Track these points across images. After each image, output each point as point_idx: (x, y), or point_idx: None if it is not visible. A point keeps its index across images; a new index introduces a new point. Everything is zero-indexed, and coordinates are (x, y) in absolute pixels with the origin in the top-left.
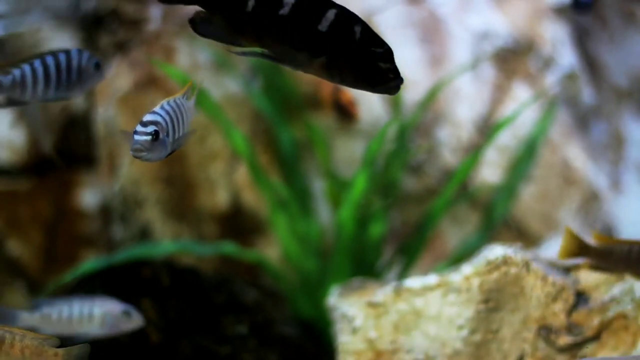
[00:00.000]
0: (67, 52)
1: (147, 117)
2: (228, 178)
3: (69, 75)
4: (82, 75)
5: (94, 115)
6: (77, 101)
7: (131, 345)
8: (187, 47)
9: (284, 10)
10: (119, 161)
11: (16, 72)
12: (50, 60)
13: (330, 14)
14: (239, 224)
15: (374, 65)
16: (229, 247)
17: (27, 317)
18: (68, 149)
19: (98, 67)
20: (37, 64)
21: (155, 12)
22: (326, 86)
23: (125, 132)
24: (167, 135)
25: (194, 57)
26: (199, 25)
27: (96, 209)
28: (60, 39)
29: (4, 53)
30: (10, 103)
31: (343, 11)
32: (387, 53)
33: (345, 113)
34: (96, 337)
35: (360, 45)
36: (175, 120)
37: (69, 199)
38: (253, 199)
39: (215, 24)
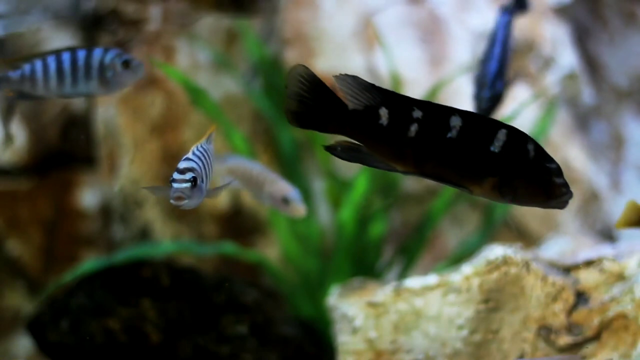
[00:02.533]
0: (88, 49)
1: (183, 165)
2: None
3: (88, 72)
4: (106, 73)
5: (94, 115)
6: (77, 101)
7: (131, 345)
8: (187, 47)
9: (452, 134)
10: (119, 161)
11: (27, 67)
12: (66, 57)
13: (502, 134)
14: (239, 224)
15: (549, 181)
16: (229, 247)
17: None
18: (68, 149)
19: (127, 65)
20: (51, 59)
21: (155, 12)
22: None
23: (151, 187)
24: (202, 180)
25: (194, 57)
26: (341, 152)
27: (96, 209)
28: (60, 39)
29: (4, 53)
30: (22, 97)
31: (513, 130)
32: (559, 168)
33: None
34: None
35: (535, 162)
36: (206, 165)
37: (69, 199)
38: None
39: (364, 151)
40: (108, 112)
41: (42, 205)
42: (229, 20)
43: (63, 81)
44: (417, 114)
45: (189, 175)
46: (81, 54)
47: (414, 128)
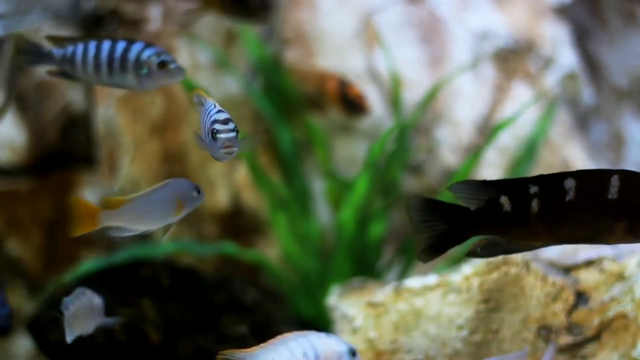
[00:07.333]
0: (129, 42)
1: (223, 115)
2: (228, 178)
3: (124, 65)
4: (140, 69)
5: (94, 115)
6: (77, 101)
7: (131, 345)
8: (187, 47)
9: (571, 196)
10: (119, 161)
11: (70, 48)
12: (105, 45)
13: (614, 180)
14: (239, 224)
15: None
16: (229, 247)
17: None
18: (68, 149)
19: (163, 66)
20: (92, 45)
21: (155, 12)
22: (330, 82)
23: (198, 135)
24: None
25: (194, 57)
26: (482, 252)
27: None
28: None
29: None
30: (61, 75)
31: (622, 172)
32: None
33: (355, 107)
34: None
35: None
36: None
37: (69, 199)
38: (253, 199)
39: (500, 241)
40: (108, 112)
41: (42, 205)
42: (229, 20)
43: (99, 69)
44: (534, 189)
45: (232, 125)
46: (120, 46)
47: (534, 204)
